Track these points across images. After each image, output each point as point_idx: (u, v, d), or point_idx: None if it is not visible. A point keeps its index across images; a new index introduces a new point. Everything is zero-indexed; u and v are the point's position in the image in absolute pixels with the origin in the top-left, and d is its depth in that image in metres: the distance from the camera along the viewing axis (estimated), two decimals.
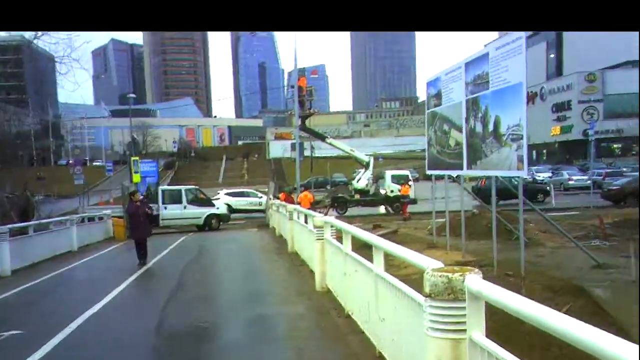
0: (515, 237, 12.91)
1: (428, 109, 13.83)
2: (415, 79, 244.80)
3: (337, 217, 10.05)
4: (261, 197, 32.35)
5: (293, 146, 32.47)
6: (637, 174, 34.83)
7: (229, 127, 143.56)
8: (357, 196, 31.34)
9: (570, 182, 37.44)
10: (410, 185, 29.19)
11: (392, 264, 6.41)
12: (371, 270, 5.12)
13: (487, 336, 2.76)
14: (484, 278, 2.83)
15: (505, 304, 2.45)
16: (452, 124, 12.05)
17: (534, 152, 61.91)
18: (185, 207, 24.91)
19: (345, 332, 6.18)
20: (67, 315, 7.65)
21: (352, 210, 30.07)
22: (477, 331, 2.79)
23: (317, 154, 57.72)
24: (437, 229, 15.21)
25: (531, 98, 59.75)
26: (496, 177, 11.49)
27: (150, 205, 15.26)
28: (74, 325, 7.18)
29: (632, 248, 11.04)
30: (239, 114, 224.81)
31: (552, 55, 70.59)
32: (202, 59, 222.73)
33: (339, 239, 7.21)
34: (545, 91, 65.17)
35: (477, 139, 10.65)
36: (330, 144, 33.59)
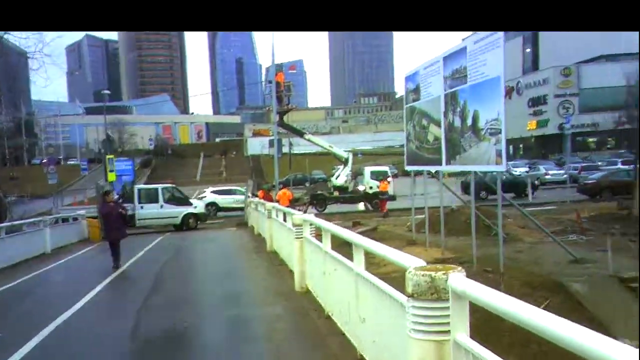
0: (494, 232, 12.94)
1: (407, 104, 13.76)
2: (393, 74, 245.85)
3: (316, 215, 9.91)
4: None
5: (271, 143, 32.19)
6: (612, 167, 35.42)
7: (207, 124, 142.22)
8: (336, 193, 31.31)
9: (547, 177, 37.86)
10: (389, 182, 29.22)
11: (372, 262, 6.31)
12: (351, 269, 5.00)
13: (471, 337, 2.67)
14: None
15: (491, 304, 2.36)
16: (431, 118, 12.00)
17: (511, 147, 62.50)
18: (162, 206, 24.54)
19: (325, 334, 6.05)
20: (35, 323, 7.36)
21: (331, 207, 30.03)
22: (461, 332, 2.70)
23: (295, 150, 57.56)
24: (416, 226, 15.19)
25: (508, 93, 60.27)
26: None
27: (125, 205, 14.94)
28: (45, 332, 6.93)
29: (608, 242, 11.14)
30: (216, 110, 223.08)
31: (528, 50, 71.37)
32: (179, 54, 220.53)
33: (319, 237, 7.08)
34: (521, 86, 65.83)
35: (455, 133, 10.61)
36: (308, 140, 33.49)
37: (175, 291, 10.01)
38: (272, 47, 29.30)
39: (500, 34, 8.95)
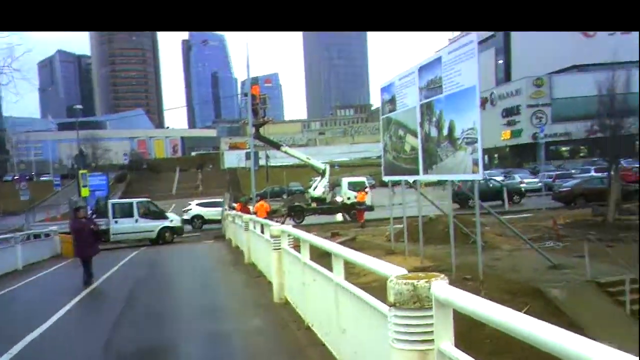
0: (472, 240, 12.98)
1: (383, 115, 13.78)
2: (369, 86, 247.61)
3: (294, 226, 9.82)
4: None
5: (248, 155, 32.07)
6: (586, 175, 35.98)
7: (182, 138, 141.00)
8: (314, 204, 31.23)
9: (522, 185, 38.31)
10: (367, 192, 29.26)
11: (352, 272, 6.23)
12: (331, 279, 4.91)
13: (456, 345, 2.60)
14: None
15: (476, 312, 2.29)
16: (407, 129, 12.02)
17: (486, 157, 63.21)
18: (137, 221, 24.18)
19: (305, 345, 5.94)
20: (4, 342, 7.08)
21: (310, 219, 29.96)
22: (445, 341, 2.63)
23: (272, 163, 57.25)
24: (395, 235, 15.18)
25: (482, 103, 60.85)
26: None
27: (99, 220, 14.62)
28: (14, 350, 6.67)
29: (585, 248, 11.26)
30: (192, 124, 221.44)
31: (500, 61, 72.36)
32: (153, 69, 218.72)
33: (297, 248, 6.99)
34: (495, 96, 66.70)
35: (432, 143, 10.63)
36: (285, 152, 33.40)
37: (150, 306, 9.77)
38: (247, 57, 29.18)
39: (474, 43, 9.01)
